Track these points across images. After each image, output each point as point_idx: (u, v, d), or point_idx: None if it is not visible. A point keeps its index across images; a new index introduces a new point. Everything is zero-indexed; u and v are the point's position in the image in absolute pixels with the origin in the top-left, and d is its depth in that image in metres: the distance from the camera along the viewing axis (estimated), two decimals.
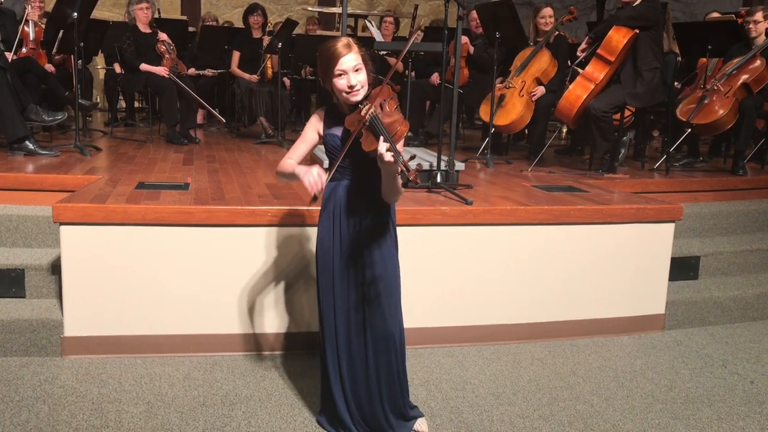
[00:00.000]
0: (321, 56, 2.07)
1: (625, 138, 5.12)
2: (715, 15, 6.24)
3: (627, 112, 4.80)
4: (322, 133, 2.21)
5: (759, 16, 4.84)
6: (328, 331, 2.26)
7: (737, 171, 4.85)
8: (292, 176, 2.18)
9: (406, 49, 2.25)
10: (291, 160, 2.24)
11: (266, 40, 6.22)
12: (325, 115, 2.21)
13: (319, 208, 2.27)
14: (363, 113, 2.02)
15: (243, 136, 6.38)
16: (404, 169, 1.88)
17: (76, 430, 2.32)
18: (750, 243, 4.14)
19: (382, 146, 1.92)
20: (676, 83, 5.68)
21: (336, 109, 2.20)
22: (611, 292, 3.40)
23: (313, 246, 2.99)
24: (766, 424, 2.58)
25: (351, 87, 2.04)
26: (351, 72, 2.03)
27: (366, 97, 2.08)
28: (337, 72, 2.03)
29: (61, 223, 2.80)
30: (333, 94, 2.15)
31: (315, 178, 2.03)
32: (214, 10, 10.21)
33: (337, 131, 2.16)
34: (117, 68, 6.20)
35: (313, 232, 2.98)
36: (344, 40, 2.06)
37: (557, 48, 5.29)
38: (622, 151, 5.08)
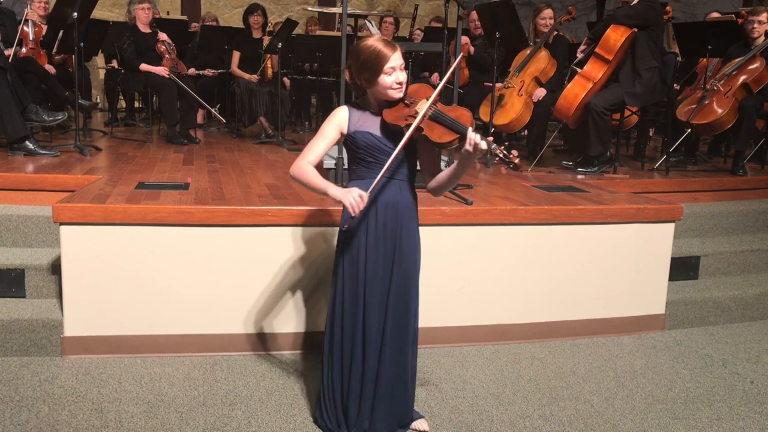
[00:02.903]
0: (364, 53, 2.07)
1: None
2: (716, 15, 6.23)
3: (627, 113, 4.81)
4: (346, 131, 2.17)
5: (764, 17, 4.83)
6: (353, 328, 2.22)
7: (737, 171, 4.85)
8: (319, 191, 2.12)
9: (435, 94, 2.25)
10: (310, 163, 2.16)
11: (266, 40, 6.22)
12: (349, 113, 2.18)
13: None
14: (417, 108, 2.09)
15: (243, 136, 6.39)
16: (505, 153, 1.98)
17: (76, 430, 2.32)
18: (750, 243, 4.14)
19: (475, 135, 1.99)
20: (675, 84, 5.69)
21: (362, 107, 2.19)
22: (611, 292, 3.40)
23: (313, 246, 3.00)
24: (766, 424, 2.58)
25: (399, 83, 2.09)
26: (398, 69, 2.08)
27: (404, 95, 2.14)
28: (388, 68, 2.06)
29: (61, 223, 2.80)
30: (365, 91, 2.15)
31: (357, 200, 2.01)
32: (214, 10, 10.21)
33: (371, 128, 2.15)
34: (115, 64, 6.20)
35: (313, 232, 2.99)
36: (383, 39, 2.10)
37: (556, 48, 5.30)
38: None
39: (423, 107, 2.09)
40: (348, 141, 2.18)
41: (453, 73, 2.16)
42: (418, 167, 2.26)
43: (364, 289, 2.20)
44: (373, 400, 2.26)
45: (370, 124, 2.15)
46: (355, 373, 2.25)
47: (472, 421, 2.51)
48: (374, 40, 2.08)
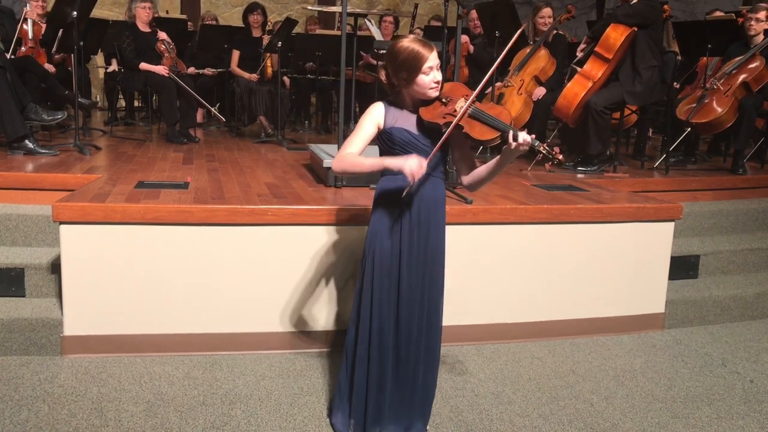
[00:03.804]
0: (402, 54, 2.08)
1: None
2: (718, 14, 6.23)
3: (627, 111, 4.81)
4: (383, 127, 2.19)
5: (762, 14, 4.82)
6: (383, 326, 2.21)
7: (737, 170, 4.85)
8: (375, 169, 2.13)
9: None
10: (355, 152, 2.15)
11: (266, 39, 6.22)
12: (386, 110, 2.20)
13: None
14: (456, 106, 2.13)
15: (243, 135, 6.39)
16: (548, 149, 2.01)
17: (75, 429, 2.32)
18: (750, 242, 4.14)
19: (519, 132, 2.02)
20: (675, 83, 5.69)
21: (398, 105, 2.21)
22: (611, 291, 3.40)
23: (313, 245, 3.00)
24: (765, 423, 2.58)
25: (437, 82, 2.12)
26: (435, 68, 2.11)
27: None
28: (426, 68, 2.09)
29: (61, 222, 2.80)
30: (399, 90, 2.17)
31: (417, 167, 2.01)
32: (214, 9, 10.21)
33: (407, 126, 2.17)
34: (114, 65, 6.20)
35: (313, 231, 2.98)
36: (420, 39, 2.11)
37: (556, 47, 5.30)
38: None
39: (463, 105, 2.12)
40: (383, 137, 2.20)
41: (492, 74, 2.17)
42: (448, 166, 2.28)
43: (398, 284, 2.20)
44: (410, 403, 2.26)
45: (407, 122, 2.18)
46: (384, 372, 2.23)
47: (472, 420, 2.51)
48: (410, 41, 2.10)
